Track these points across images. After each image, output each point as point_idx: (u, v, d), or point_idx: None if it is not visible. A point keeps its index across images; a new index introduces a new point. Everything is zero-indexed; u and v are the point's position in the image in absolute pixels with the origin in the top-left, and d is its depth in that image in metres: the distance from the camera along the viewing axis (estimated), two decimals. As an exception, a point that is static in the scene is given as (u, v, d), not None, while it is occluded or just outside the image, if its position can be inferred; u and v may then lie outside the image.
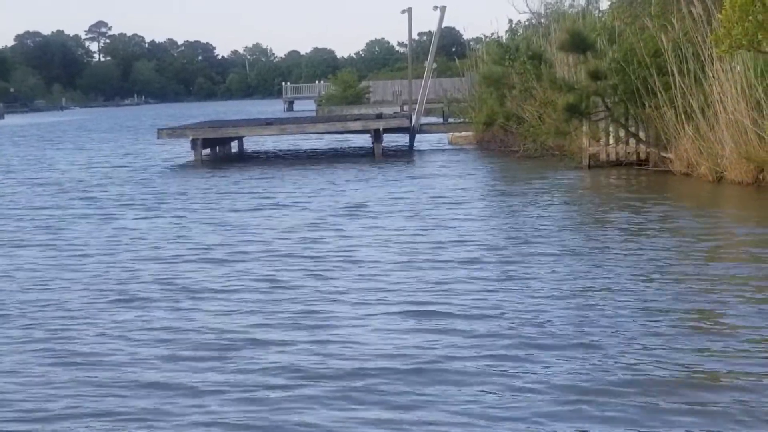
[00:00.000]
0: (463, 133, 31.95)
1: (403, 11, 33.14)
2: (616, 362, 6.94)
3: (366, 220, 14.90)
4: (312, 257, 11.68)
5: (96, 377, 7.19)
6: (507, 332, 7.89)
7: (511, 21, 37.61)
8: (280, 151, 32.82)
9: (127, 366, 7.42)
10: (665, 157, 19.48)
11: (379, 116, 30.43)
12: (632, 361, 6.95)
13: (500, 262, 10.91)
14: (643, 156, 20.80)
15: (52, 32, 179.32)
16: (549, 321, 8.17)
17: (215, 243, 13.11)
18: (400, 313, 8.71)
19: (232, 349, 7.77)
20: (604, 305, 8.61)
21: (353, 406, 6.33)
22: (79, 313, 9.21)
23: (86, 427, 6.20)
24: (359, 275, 10.48)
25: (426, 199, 17.24)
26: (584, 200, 16.85)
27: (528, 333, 7.84)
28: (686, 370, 6.75)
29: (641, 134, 20.66)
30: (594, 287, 9.38)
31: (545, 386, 6.53)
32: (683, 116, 18.45)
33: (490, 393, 6.45)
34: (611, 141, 21.38)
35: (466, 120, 32.57)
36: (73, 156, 33.55)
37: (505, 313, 8.51)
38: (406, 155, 28.61)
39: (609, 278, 9.75)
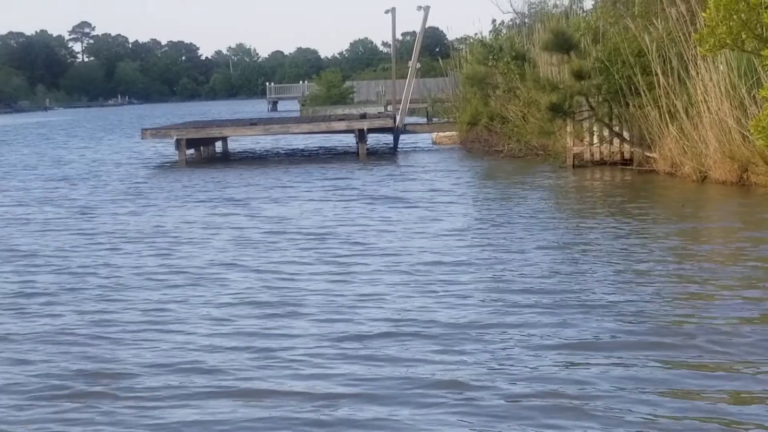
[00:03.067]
0: (447, 133, 31.93)
1: (387, 11, 33.05)
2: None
3: (372, 214, 15.38)
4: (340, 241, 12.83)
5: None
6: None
7: (494, 21, 37.60)
8: (265, 151, 32.77)
9: (215, 325, 8.55)
10: (649, 156, 19.50)
11: (363, 116, 30.37)
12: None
13: (490, 257, 11.22)
14: (627, 155, 20.81)
15: (36, 32, 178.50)
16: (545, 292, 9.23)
17: (253, 228, 14.26)
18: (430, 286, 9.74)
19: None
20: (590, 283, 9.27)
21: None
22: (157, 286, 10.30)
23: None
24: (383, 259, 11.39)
25: (413, 196, 17.40)
26: (568, 199, 16.87)
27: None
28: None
29: (625, 134, 20.68)
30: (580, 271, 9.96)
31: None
32: (667, 116, 18.47)
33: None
34: (595, 141, 21.39)
35: (450, 120, 32.57)
36: (70, 155, 33.76)
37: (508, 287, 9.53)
38: (390, 155, 28.59)
39: (595, 269, 9.98)
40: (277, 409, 6.30)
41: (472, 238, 12.60)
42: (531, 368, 6.90)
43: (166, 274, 10.93)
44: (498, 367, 6.97)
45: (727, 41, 10.99)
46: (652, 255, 10.80)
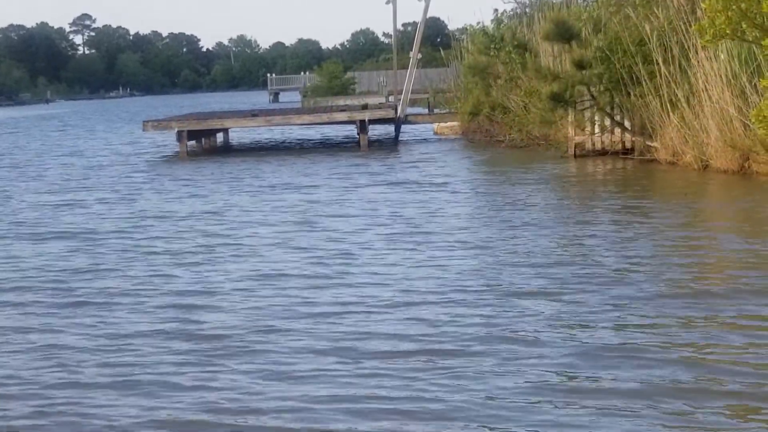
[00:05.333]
0: (449, 123, 31.93)
1: (388, 2, 33.08)
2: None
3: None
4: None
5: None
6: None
7: (496, 10, 37.43)
8: (266, 141, 32.79)
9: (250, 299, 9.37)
10: (650, 146, 19.51)
11: (365, 107, 30.36)
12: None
13: (491, 242, 11.53)
14: (628, 145, 20.80)
15: (36, 25, 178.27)
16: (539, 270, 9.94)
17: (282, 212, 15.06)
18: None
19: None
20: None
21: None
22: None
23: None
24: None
25: (419, 183, 17.90)
26: (569, 188, 16.92)
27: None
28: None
29: (626, 123, 20.68)
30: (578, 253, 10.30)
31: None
32: (668, 105, 18.47)
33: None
34: (596, 130, 21.40)
35: (452, 110, 32.56)
36: (80, 145, 34.04)
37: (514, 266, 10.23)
38: (391, 146, 28.60)
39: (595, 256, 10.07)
40: (368, 361, 7.19)
41: (486, 221, 13.27)
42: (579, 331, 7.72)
43: (230, 251, 11.85)
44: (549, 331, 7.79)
45: (727, 31, 10.99)
46: (657, 238, 11.16)
